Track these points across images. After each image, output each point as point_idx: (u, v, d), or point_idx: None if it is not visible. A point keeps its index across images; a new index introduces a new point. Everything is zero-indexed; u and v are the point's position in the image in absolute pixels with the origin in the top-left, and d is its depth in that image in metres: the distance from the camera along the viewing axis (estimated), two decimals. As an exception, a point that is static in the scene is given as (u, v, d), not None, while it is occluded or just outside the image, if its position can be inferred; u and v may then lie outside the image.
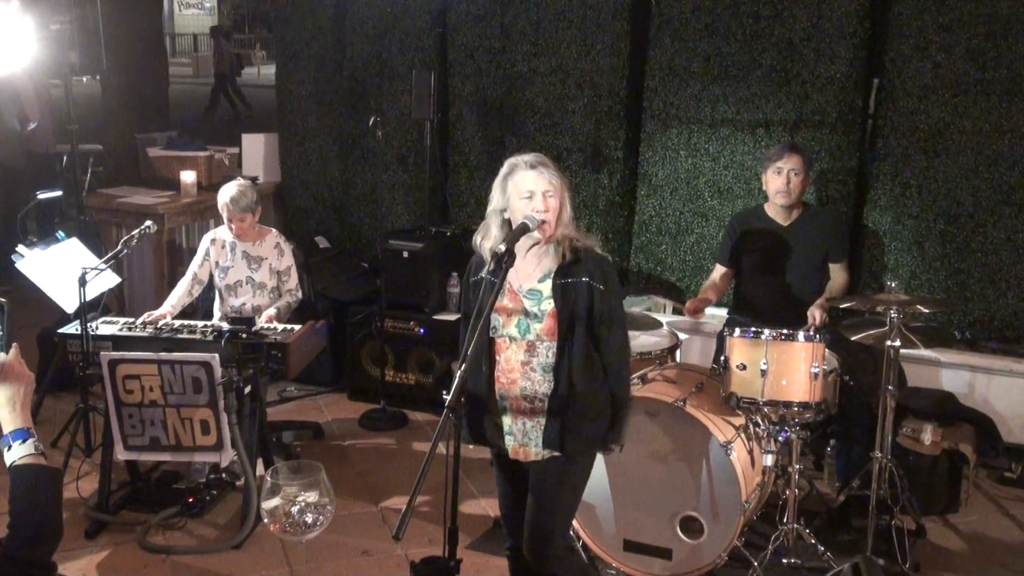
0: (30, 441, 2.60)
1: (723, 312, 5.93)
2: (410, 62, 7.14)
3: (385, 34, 7.25)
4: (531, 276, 3.55)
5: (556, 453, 3.56)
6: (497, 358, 3.57)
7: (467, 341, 3.25)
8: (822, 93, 5.92)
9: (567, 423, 3.52)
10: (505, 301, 3.53)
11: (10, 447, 2.59)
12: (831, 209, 5.90)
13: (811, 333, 4.41)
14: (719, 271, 5.58)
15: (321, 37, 7.54)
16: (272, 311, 5.41)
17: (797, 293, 5.29)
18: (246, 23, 47.31)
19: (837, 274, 5.40)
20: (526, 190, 3.46)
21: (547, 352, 3.50)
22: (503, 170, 3.55)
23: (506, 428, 3.62)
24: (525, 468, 3.68)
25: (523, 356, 3.52)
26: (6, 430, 2.61)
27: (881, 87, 5.92)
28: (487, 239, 3.58)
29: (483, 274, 3.53)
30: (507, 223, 3.55)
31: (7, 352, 2.68)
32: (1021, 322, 5.75)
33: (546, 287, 3.51)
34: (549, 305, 3.49)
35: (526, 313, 3.51)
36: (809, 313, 5.09)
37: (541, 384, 3.52)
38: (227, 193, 5.44)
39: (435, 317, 6.54)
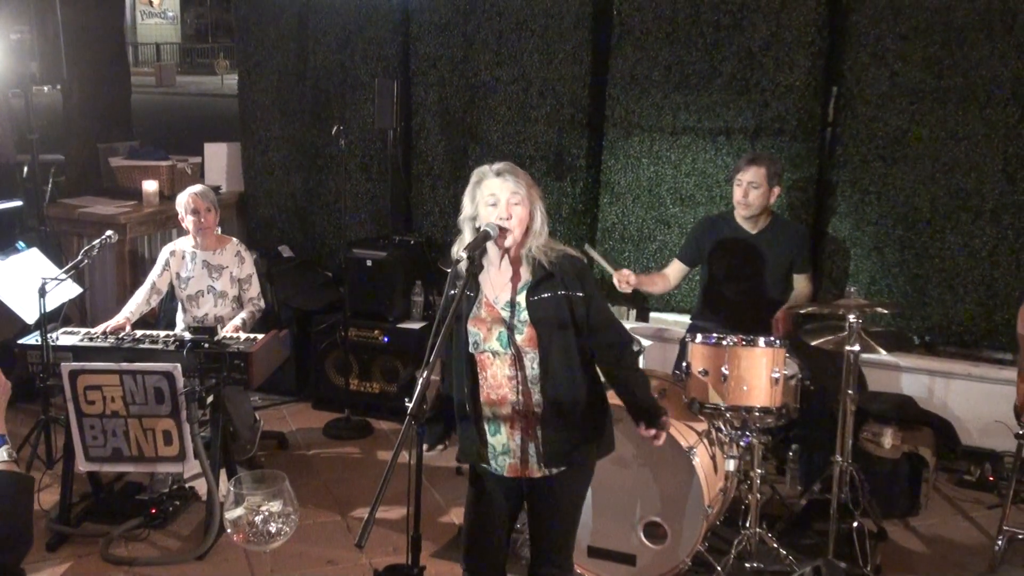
0: (4, 448, 2.60)
1: (686, 319, 5.97)
2: (373, 71, 7.14)
3: (348, 43, 7.25)
4: (507, 287, 3.46)
5: (558, 469, 3.49)
6: (483, 375, 3.48)
7: (429, 348, 3.18)
8: (781, 101, 5.98)
9: (563, 437, 3.46)
10: (482, 313, 3.47)
11: None
12: (797, 220, 5.95)
13: (772, 339, 4.45)
14: (677, 267, 5.58)
15: (284, 46, 7.53)
16: (237, 321, 5.41)
17: (762, 301, 5.32)
18: (209, 32, 47.13)
19: (801, 284, 5.43)
20: (491, 196, 3.41)
21: (532, 363, 3.42)
22: (472, 178, 3.48)
23: (499, 448, 3.52)
24: (514, 486, 3.59)
25: (508, 371, 3.44)
26: None
27: (839, 95, 5.99)
28: (459, 247, 3.52)
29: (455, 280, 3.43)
30: (478, 231, 3.50)
31: None
32: (978, 326, 5.83)
33: (523, 298, 3.43)
34: (528, 316, 3.42)
35: (506, 324, 3.43)
36: (774, 322, 5.13)
37: (532, 396, 3.44)
38: (191, 188, 5.55)
39: (399, 326, 6.54)
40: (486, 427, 3.52)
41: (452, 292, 3.42)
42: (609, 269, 5.35)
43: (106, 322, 5.28)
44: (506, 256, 3.48)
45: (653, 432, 3.55)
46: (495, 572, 3.69)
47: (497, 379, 3.47)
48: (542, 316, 3.40)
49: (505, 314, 3.44)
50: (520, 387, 3.45)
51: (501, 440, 3.51)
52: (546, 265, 3.43)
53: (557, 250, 3.48)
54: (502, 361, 3.45)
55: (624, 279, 5.27)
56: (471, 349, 3.47)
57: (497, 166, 3.44)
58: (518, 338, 3.42)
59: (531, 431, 3.47)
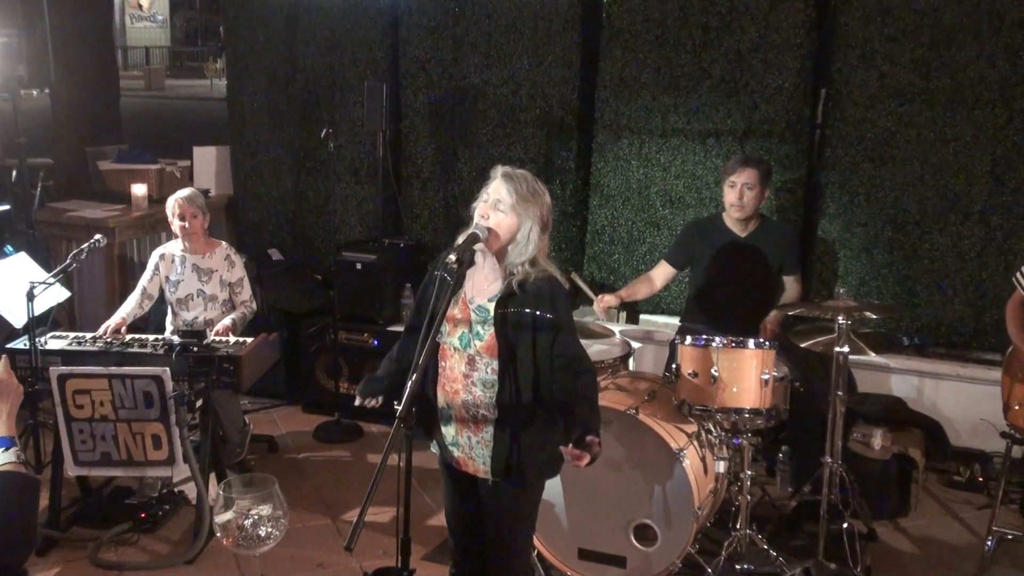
0: (13, 450, 2.62)
1: (675, 320, 5.97)
2: (362, 74, 7.13)
3: (337, 46, 7.24)
4: (484, 292, 3.49)
5: (503, 479, 3.51)
6: (442, 364, 3.54)
7: (421, 341, 3.23)
8: (770, 103, 5.99)
9: (512, 450, 3.46)
10: (455, 310, 3.50)
11: None
12: (786, 222, 5.96)
13: (762, 340, 4.45)
14: (664, 269, 5.58)
15: (273, 49, 7.51)
16: (228, 321, 5.39)
17: (751, 304, 5.33)
18: (199, 36, 47.04)
19: (791, 286, 5.45)
20: (486, 194, 3.46)
21: (486, 368, 3.44)
22: (491, 172, 3.53)
23: (450, 438, 3.59)
24: (469, 480, 3.62)
25: (464, 368, 3.48)
26: None
27: (828, 97, 6.00)
28: (463, 233, 3.48)
29: (444, 271, 3.47)
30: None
31: None
32: (967, 327, 5.85)
33: (492, 308, 3.45)
34: (492, 326, 3.43)
35: (470, 327, 3.47)
36: (762, 326, 5.13)
37: (481, 399, 3.46)
38: (179, 193, 5.55)
39: (389, 328, 6.53)
40: (439, 414, 3.59)
41: (438, 271, 3.53)
42: (592, 296, 5.37)
43: (104, 324, 5.27)
44: (488, 260, 3.49)
45: (578, 453, 3.30)
46: (476, 562, 3.75)
47: (453, 372, 3.52)
48: (506, 330, 3.41)
49: (474, 317, 3.48)
50: (472, 387, 3.48)
51: (451, 432, 3.58)
52: (519, 282, 3.42)
53: (540, 270, 3.46)
54: (460, 357, 3.50)
55: (603, 305, 5.29)
56: (437, 337, 3.50)
57: (511, 171, 3.48)
58: (477, 343, 3.45)
59: (479, 433, 3.51)
